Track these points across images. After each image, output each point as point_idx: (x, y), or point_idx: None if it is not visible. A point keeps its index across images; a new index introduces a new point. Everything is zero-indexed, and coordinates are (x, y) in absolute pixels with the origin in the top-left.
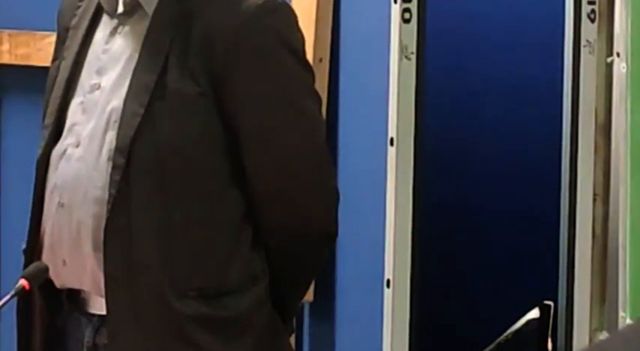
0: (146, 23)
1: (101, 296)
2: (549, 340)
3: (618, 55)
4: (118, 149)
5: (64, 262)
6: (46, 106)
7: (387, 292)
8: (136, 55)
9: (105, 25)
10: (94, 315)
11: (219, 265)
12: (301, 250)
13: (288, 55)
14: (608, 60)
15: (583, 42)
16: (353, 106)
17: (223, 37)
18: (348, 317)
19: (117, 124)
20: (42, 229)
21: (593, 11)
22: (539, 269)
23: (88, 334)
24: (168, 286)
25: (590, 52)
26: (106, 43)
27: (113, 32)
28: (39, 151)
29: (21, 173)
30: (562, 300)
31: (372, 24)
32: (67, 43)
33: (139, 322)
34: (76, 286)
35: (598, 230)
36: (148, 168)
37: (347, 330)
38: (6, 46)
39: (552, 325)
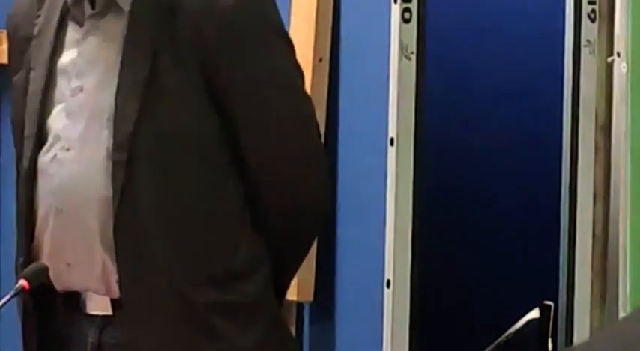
0: (122, 20)
1: (108, 296)
2: (549, 340)
3: (618, 55)
4: (117, 146)
5: (68, 265)
6: (17, 117)
7: (387, 292)
8: (117, 54)
9: (74, 30)
10: (96, 316)
11: (226, 250)
12: (297, 228)
13: (275, 37)
14: (608, 60)
15: (583, 42)
16: (353, 106)
17: (211, 24)
18: (348, 317)
19: (111, 123)
20: (36, 239)
21: (593, 11)
22: (539, 269)
23: (92, 335)
24: (181, 275)
25: (590, 52)
26: (79, 47)
27: (85, 36)
28: (25, 163)
29: None
30: (562, 300)
31: (372, 24)
32: (32, 52)
33: (158, 315)
34: (80, 288)
35: (598, 230)
36: (149, 162)
37: (347, 330)
38: (6, 46)
39: (552, 325)
